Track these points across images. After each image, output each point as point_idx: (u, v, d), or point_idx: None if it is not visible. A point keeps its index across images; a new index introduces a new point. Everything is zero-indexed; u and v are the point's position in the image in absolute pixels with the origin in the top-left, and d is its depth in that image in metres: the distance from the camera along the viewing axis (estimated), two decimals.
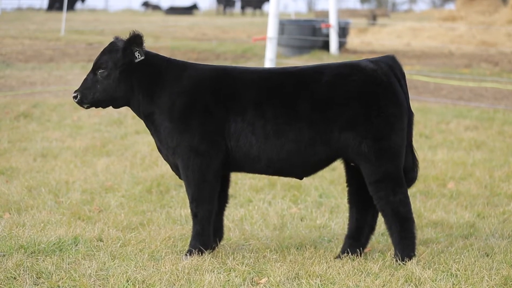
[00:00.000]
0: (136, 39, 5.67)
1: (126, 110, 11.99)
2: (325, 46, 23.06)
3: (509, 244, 6.13)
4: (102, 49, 5.82)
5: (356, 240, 5.86)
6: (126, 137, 10.74)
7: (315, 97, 5.58)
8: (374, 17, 37.46)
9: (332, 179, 8.37)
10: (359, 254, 5.81)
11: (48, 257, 5.67)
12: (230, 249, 6.00)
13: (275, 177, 8.11)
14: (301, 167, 5.69)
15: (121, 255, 5.74)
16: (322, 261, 5.67)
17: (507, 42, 26.32)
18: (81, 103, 5.72)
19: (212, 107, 5.63)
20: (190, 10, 60.46)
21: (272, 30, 15.99)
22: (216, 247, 5.95)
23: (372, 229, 5.90)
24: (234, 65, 7.90)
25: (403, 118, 5.62)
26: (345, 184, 5.90)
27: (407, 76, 5.96)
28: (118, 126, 11.59)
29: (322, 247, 6.08)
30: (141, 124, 10.86)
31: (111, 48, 5.73)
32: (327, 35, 23.01)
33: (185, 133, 5.63)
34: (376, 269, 5.48)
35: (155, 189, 7.90)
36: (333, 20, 22.73)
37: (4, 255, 5.65)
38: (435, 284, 5.23)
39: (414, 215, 5.71)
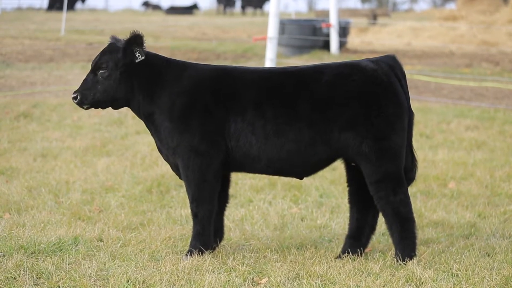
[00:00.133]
0: (136, 39, 5.66)
1: (126, 110, 11.98)
2: (326, 45, 23.06)
3: (510, 244, 6.12)
4: (102, 49, 5.81)
5: (357, 240, 5.85)
6: (126, 137, 10.73)
7: (315, 97, 5.57)
8: (374, 17, 37.44)
9: (333, 179, 8.36)
10: (359, 254, 5.81)
11: (48, 257, 5.66)
12: (230, 249, 5.99)
13: (276, 177, 8.11)
14: (301, 167, 5.68)
15: (122, 255, 5.74)
16: (322, 261, 5.66)
17: (508, 41, 26.32)
18: (81, 104, 5.70)
19: (212, 107, 5.62)
20: (190, 10, 60.49)
21: (272, 29, 15.98)
22: (217, 247, 5.94)
23: (372, 229, 5.89)
24: (234, 65, 7.88)
25: (403, 118, 5.61)
26: (346, 184, 5.89)
27: (407, 76, 5.96)
28: (118, 126, 11.58)
29: (322, 247, 6.07)
30: (141, 124, 10.85)
31: (111, 49, 5.71)
32: (328, 35, 23.01)
33: (185, 133, 5.62)
34: (376, 269, 5.48)
35: (156, 189, 7.89)
36: (333, 20, 22.73)
37: (4, 256, 5.64)
38: (436, 284, 5.22)
39: (414, 215, 5.70)
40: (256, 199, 7.54)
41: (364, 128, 5.53)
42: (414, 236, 5.65)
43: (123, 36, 5.75)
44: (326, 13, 34.71)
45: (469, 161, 9.32)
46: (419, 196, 7.81)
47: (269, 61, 16.04)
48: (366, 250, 5.92)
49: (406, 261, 5.58)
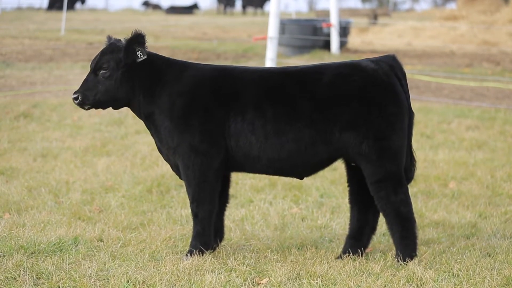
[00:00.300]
0: (138, 39, 5.64)
1: (126, 110, 11.97)
2: (326, 45, 23.05)
3: (511, 244, 6.11)
4: (101, 49, 5.79)
5: (358, 240, 5.84)
6: (126, 137, 10.72)
7: (315, 97, 5.56)
8: (375, 17, 37.45)
9: (333, 179, 8.35)
10: (360, 254, 5.80)
11: (48, 257, 5.66)
12: (231, 250, 5.98)
13: (276, 177, 8.10)
14: (301, 167, 5.67)
15: (122, 256, 5.73)
16: (323, 261, 5.65)
17: (509, 41, 26.32)
18: (82, 104, 5.67)
19: (212, 106, 5.61)
20: (190, 9, 60.54)
21: (273, 29, 15.98)
22: (217, 247, 5.94)
23: (373, 229, 5.88)
24: (234, 64, 7.87)
25: (403, 118, 5.61)
26: (346, 184, 5.88)
27: (408, 76, 5.95)
28: (119, 126, 11.58)
29: (323, 247, 6.06)
30: (141, 124, 10.84)
31: (112, 48, 5.69)
32: (328, 35, 23.00)
33: (186, 133, 5.61)
34: (377, 269, 5.47)
35: (156, 189, 7.88)
36: (334, 20, 22.72)
37: (4, 256, 5.63)
38: (437, 284, 5.22)
39: (415, 215, 5.70)
40: (256, 199, 7.53)
41: (364, 128, 5.53)
42: (414, 236, 5.64)
43: (124, 36, 5.73)
44: (326, 13, 34.70)
45: (469, 161, 9.31)
46: (420, 196, 7.80)
47: (270, 61, 16.04)
48: (367, 250, 5.91)
49: (407, 261, 5.57)
